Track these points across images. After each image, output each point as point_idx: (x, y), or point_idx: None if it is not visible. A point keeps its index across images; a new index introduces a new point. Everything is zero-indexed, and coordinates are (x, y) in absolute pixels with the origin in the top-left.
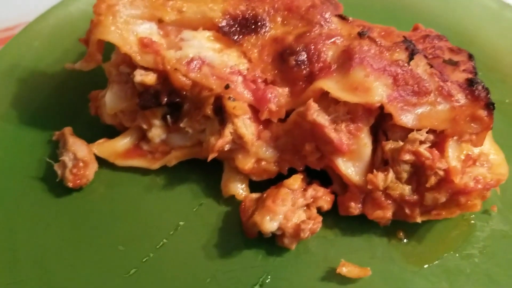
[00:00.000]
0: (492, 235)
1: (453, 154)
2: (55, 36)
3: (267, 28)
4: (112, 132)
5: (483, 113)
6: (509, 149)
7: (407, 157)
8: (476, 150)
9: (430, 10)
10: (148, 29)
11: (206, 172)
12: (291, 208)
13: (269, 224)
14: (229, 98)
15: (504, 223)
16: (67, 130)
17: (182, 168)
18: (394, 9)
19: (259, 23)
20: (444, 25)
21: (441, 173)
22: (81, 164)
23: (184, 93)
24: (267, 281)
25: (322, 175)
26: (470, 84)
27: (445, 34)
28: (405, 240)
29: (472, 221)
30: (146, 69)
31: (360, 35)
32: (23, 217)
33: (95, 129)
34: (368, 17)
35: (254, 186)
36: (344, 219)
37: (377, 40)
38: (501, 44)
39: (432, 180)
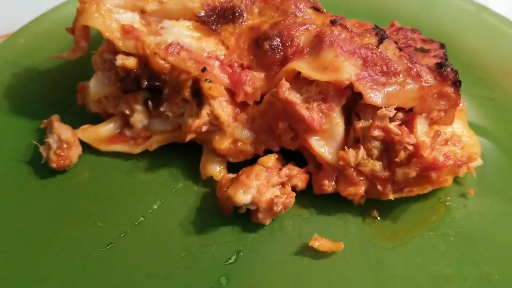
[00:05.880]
0: (469, 216)
1: (422, 130)
2: (48, 37)
3: (244, 19)
4: (97, 122)
5: (450, 90)
6: (487, 138)
7: (377, 133)
8: (449, 132)
9: (409, 13)
10: (130, 18)
11: (186, 156)
12: (265, 184)
13: (242, 196)
14: (206, 80)
15: (480, 206)
16: (54, 117)
17: (162, 152)
18: (372, 11)
19: (237, 14)
20: (424, 27)
21: (410, 147)
22: (64, 145)
23: (164, 77)
24: (241, 254)
25: (298, 158)
26: (439, 67)
27: (425, 36)
28: (379, 219)
29: (448, 203)
30: (127, 54)
31: (333, 22)
32: (8, 196)
33: (82, 120)
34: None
35: (231, 168)
36: (319, 199)
37: (348, 27)
38: (479, 44)
39: (402, 155)
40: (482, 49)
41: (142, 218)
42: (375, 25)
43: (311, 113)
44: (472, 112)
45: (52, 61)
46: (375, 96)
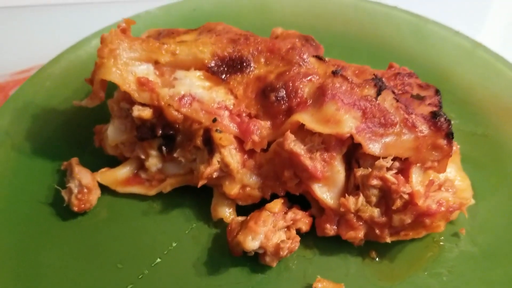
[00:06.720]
0: (461, 255)
1: (417, 179)
2: (65, 77)
3: (252, 68)
4: (114, 162)
5: (443, 142)
6: (479, 177)
7: (375, 182)
8: (442, 177)
9: (407, 49)
10: (145, 70)
11: (198, 197)
12: (272, 229)
13: (251, 243)
14: (216, 130)
15: (472, 245)
16: (74, 160)
17: (176, 194)
18: (373, 49)
19: (244, 64)
20: (421, 63)
21: (406, 196)
22: (85, 190)
23: (177, 126)
24: None
25: (302, 200)
26: (433, 117)
27: (421, 71)
28: (377, 259)
29: (442, 243)
30: (143, 105)
31: (334, 73)
32: (32, 238)
33: (99, 160)
34: (348, 56)
35: (240, 210)
36: (322, 240)
37: (348, 78)
38: (473, 80)
39: (398, 203)
40: (477, 86)
41: (159, 259)
42: (374, 75)
43: (314, 163)
44: (466, 149)
45: (69, 102)
46: (373, 147)
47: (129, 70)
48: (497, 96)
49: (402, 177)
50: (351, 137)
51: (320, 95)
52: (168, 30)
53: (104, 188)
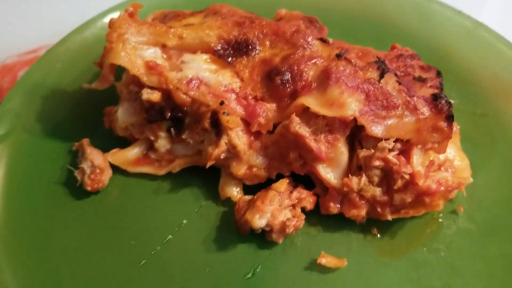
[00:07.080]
0: (458, 232)
1: (417, 160)
2: (73, 59)
3: (257, 51)
4: (124, 143)
5: (443, 124)
6: (478, 156)
7: (377, 163)
8: (442, 157)
9: (410, 29)
10: (153, 53)
11: (206, 177)
12: (278, 208)
13: (258, 221)
14: (224, 113)
15: (469, 222)
16: (85, 141)
17: (185, 174)
18: (376, 28)
19: (250, 47)
20: (423, 42)
21: (407, 176)
22: (97, 170)
23: (185, 108)
24: (257, 270)
25: (307, 180)
26: (434, 99)
27: (423, 51)
28: (378, 236)
29: (440, 220)
30: (152, 88)
31: (338, 56)
32: (48, 217)
33: (110, 140)
34: (351, 36)
35: (247, 189)
36: (325, 218)
37: (352, 61)
38: (475, 60)
39: (399, 183)
40: (477, 65)
41: (171, 236)
42: (377, 57)
43: (318, 145)
44: (465, 129)
45: (77, 84)
46: (376, 129)
47: (138, 54)
48: (497, 76)
49: (403, 158)
50: (355, 119)
51: (324, 79)
52: (174, 13)
53: (115, 169)
